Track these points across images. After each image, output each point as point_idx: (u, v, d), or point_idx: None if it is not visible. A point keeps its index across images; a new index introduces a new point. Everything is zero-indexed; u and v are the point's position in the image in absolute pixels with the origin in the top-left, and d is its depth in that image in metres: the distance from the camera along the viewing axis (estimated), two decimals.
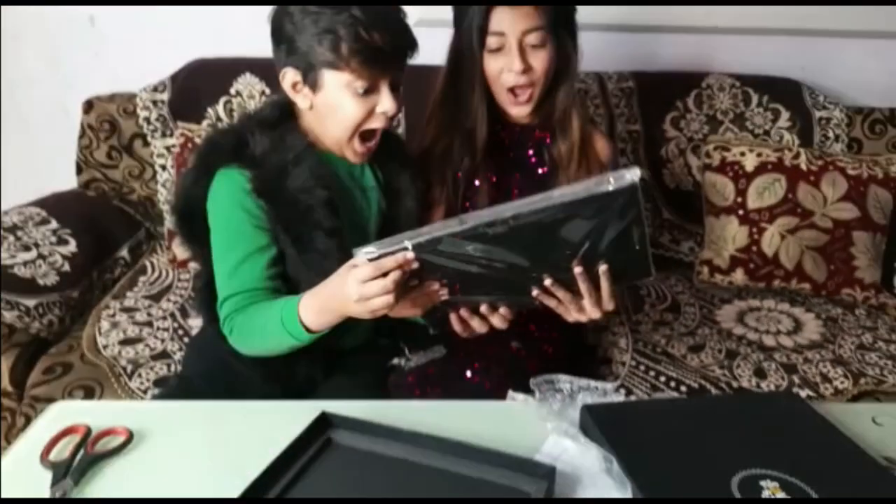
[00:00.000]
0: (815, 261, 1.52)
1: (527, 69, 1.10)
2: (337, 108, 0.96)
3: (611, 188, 0.75)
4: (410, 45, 0.98)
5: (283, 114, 1.01)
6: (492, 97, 1.17)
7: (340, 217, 0.98)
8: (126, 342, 1.22)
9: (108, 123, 1.65)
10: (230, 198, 0.95)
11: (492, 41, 1.10)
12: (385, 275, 0.79)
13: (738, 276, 1.54)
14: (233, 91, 1.64)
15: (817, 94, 1.76)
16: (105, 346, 1.20)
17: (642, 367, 1.24)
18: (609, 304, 0.90)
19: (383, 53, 0.92)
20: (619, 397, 0.86)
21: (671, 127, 1.72)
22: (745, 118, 1.72)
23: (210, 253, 0.99)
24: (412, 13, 1.75)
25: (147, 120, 1.63)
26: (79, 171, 1.68)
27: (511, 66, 1.09)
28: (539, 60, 1.11)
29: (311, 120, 1.01)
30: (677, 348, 1.29)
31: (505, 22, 1.08)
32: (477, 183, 1.22)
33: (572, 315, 0.93)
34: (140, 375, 1.13)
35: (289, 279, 1.00)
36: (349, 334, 1.05)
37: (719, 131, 1.71)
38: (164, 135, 1.63)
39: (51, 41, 1.76)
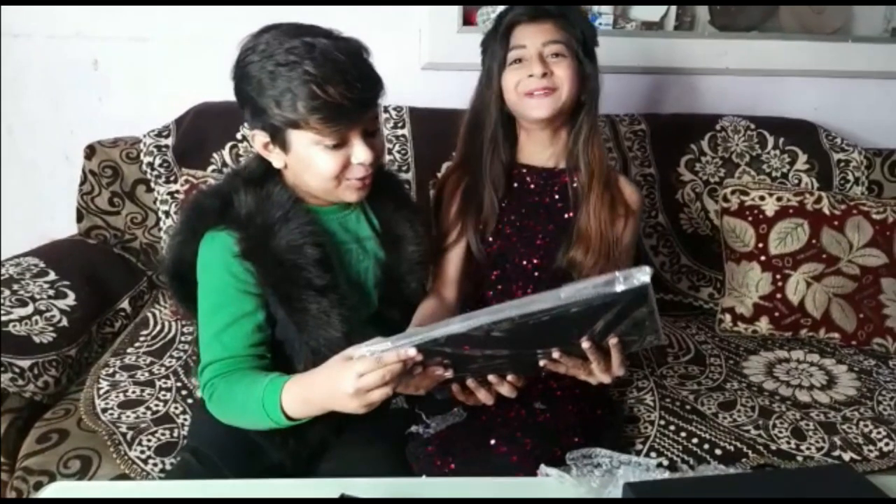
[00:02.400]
0: (843, 309, 1.47)
1: (546, 73, 1.10)
2: (310, 164, 0.91)
3: (619, 289, 0.72)
4: (374, 92, 0.90)
5: (269, 168, 0.97)
6: (513, 132, 1.18)
7: (335, 274, 0.94)
8: (126, 405, 1.15)
9: (110, 169, 1.60)
10: (217, 261, 0.92)
11: (513, 54, 1.13)
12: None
13: (763, 324, 1.49)
14: (239, 136, 1.60)
15: (834, 136, 1.73)
16: (104, 410, 1.13)
17: (672, 428, 1.17)
18: (619, 371, 0.89)
19: (343, 108, 0.85)
20: (663, 473, 0.80)
21: (686, 170, 1.68)
22: (761, 161, 1.69)
23: None
24: (419, 59, 1.76)
25: (150, 165, 1.59)
26: (79, 218, 1.62)
27: (531, 70, 1.10)
28: (561, 69, 1.12)
29: (291, 176, 0.96)
30: (707, 405, 1.23)
31: (526, 36, 1.12)
32: (503, 227, 1.19)
33: (581, 377, 0.93)
34: (141, 443, 1.06)
35: (278, 344, 0.96)
36: None
37: (736, 174, 1.68)
38: (167, 180, 1.58)
39: (53, 84, 1.72)
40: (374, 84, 0.90)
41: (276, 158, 0.93)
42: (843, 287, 1.47)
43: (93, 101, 1.75)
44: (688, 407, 1.22)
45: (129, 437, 1.07)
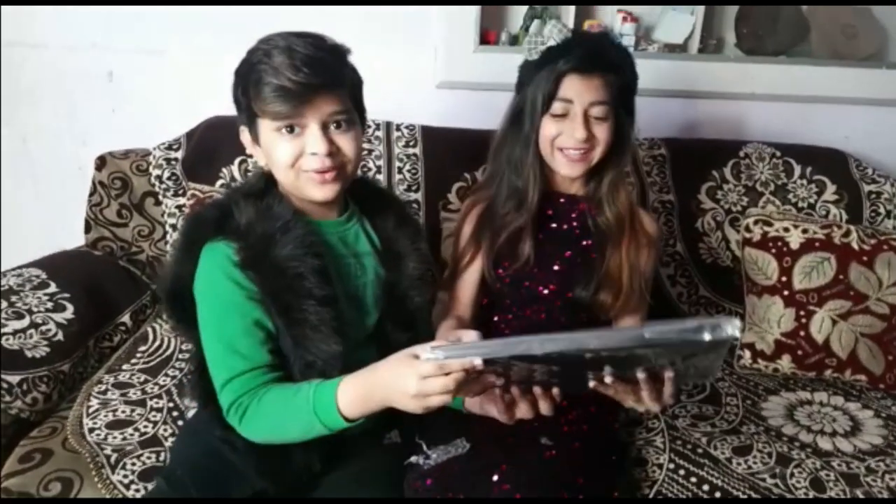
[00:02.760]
0: (870, 350, 1.38)
1: (588, 138, 1.10)
2: (271, 153, 0.93)
3: (707, 338, 0.69)
4: (326, 80, 0.89)
5: (269, 183, 0.98)
6: (541, 164, 1.17)
7: (334, 286, 0.92)
8: (114, 425, 1.12)
9: (119, 181, 1.59)
10: (218, 271, 0.90)
11: (557, 106, 1.11)
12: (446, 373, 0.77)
13: (785, 363, 1.41)
14: (249, 151, 1.58)
15: (865, 167, 1.66)
16: (91, 430, 1.10)
17: (682, 472, 1.11)
18: (670, 400, 0.88)
19: (289, 92, 0.87)
20: None
21: (707, 198, 1.62)
22: (787, 190, 1.62)
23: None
24: (434, 77, 1.73)
25: (159, 178, 1.57)
26: (87, 229, 1.61)
27: (574, 132, 1.09)
28: (601, 131, 1.12)
29: (275, 176, 0.96)
30: (720, 449, 1.16)
31: (574, 90, 1.10)
32: (520, 249, 1.17)
33: (629, 403, 0.91)
34: (125, 466, 1.03)
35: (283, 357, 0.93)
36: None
37: (759, 204, 1.61)
38: (175, 194, 1.57)
39: (68, 95, 1.73)
40: (322, 72, 0.88)
41: (259, 155, 0.96)
42: (872, 327, 1.39)
43: (107, 113, 1.75)
44: (700, 450, 1.15)
45: (113, 459, 1.04)
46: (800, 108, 1.80)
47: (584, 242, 1.19)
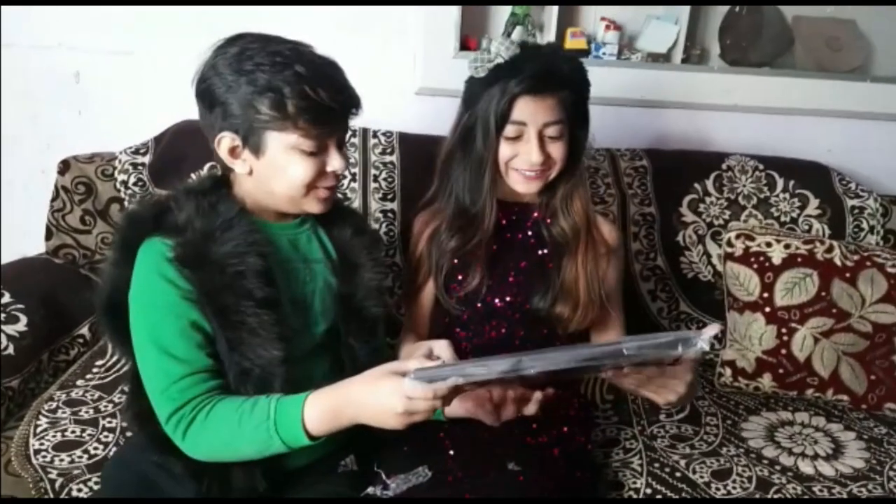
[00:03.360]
0: (853, 369, 1.35)
1: (545, 159, 1.07)
2: (283, 170, 0.88)
3: (679, 352, 0.75)
4: (355, 102, 0.92)
5: (214, 184, 0.94)
6: (494, 181, 1.12)
7: (277, 289, 0.88)
8: (62, 446, 1.06)
9: (83, 186, 1.53)
10: (152, 270, 0.84)
11: (510, 130, 1.07)
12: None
13: (766, 381, 1.38)
14: (227, 160, 1.52)
15: (848, 181, 1.64)
16: (37, 452, 1.04)
17: (659, 497, 1.06)
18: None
19: (331, 112, 0.87)
20: None
21: (689, 211, 1.59)
22: (769, 204, 1.59)
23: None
24: (413, 83, 1.69)
25: (125, 184, 1.52)
26: (48, 235, 1.55)
27: (530, 156, 1.06)
28: (556, 150, 1.08)
29: (251, 186, 0.92)
30: (700, 473, 1.12)
31: (527, 113, 1.06)
32: (475, 277, 1.13)
33: (644, 393, 0.89)
34: (70, 493, 0.97)
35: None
36: (297, 453, 0.89)
37: (742, 217, 1.58)
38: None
39: (32, 96, 1.67)
40: (355, 94, 0.91)
41: (241, 165, 0.90)
42: (854, 345, 1.35)
43: (73, 115, 1.69)
44: (678, 474, 1.12)
45: (58, 485, 0.98)
46: (783, 120, 1.77)
47: (540, 252, 1.15)
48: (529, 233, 1.17)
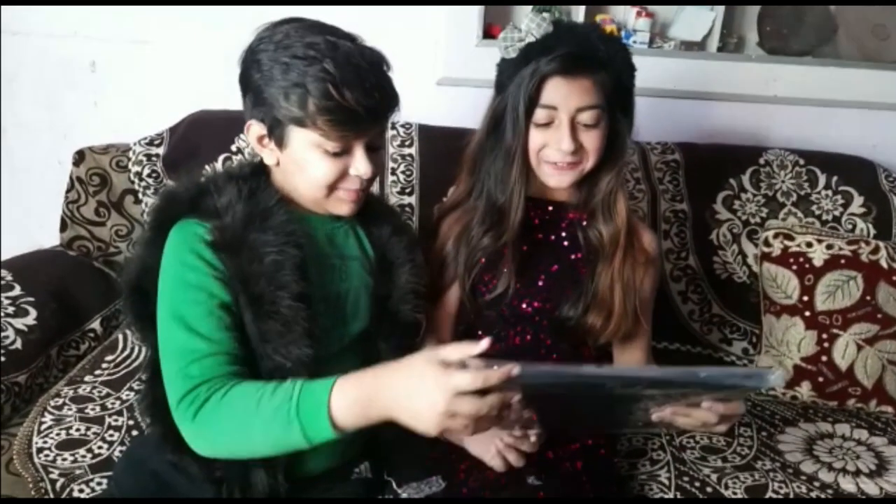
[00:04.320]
0: None
1: (576, 149, 0.97)
2: (304, 167, 0.84)
3: (753, 385, 0.76)
4: (389, 106, 0.85)
5: (254, 171, 0.89)
6: (527, 174, 1.04)
7: (311, 285, 0.83)
8: (65, 445, 1.03)
9: (98, 177, 1.51)
10: (185, 247, 0.80)
11: (541, 114, 0.98)
12: (483, 394, 0.66)
13: (804, 390, 1.30)
14: (234, 148, 1.49)
15: (895, 177, 1.53)
16: (40, 450, 1.01)
17: None
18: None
19: (355, 115, 0.80)
20: None
21: (723, 208, 1.50)
22: (810, 201, 1.50)
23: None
24: (434, 73, 1.63)
25: (139, 175, 1.49)
26: (63, 227, 1.53)
27: (560, 143, 0.97)
28: (591, 140, 0.98)
29: (280, 177, 0.88)
30: (732, 489, 1.05)
31: (559, 96, 0.97)
32: (502, 280, 1.05)
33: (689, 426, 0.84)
34: (71, 494, 0.93)
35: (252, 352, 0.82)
36: (317, 456, 0.86)
37: (780, 215, 1.49)
38: (156, 192, 1.48)
39: (48, 85, 1.65)
40: (390, 98, 0.85)
41: (268, 154, 0.87)
42: None
43: (88, 105, 1.67)
44: (709, 489, 1.05)
45: (59, 485, 0.95)
46: (826, 112, 1.68)
47: (573, 256, 1.07)
48: (563, 234, 1.08)
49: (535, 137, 1.00)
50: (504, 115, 1.01)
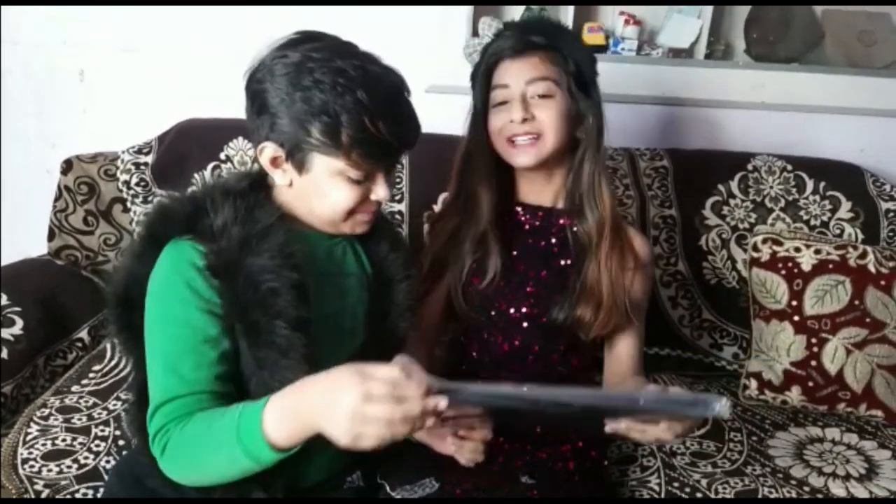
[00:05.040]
0: (888, 383, 1.27)
1: (528, 118, 0.99)
2: (326, 193, 0.82)
3: (696, 414, 0.80)
4: (417, 133, 0.85)
5: (253, 185, 0.86)
6: (504, 169, 1.07)
7: (310, 307, 0.80)
8: (51, 455, 1.02)
9: (86, 185, 1.50)
10: (176, 274, 0.78)
11: (496, 95, 1.03)
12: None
13: (794, 395, 1.30)
14: (223, 156, 1.49)
15: (882, 182, 1.55)
16: (25, 461, 1.00)
17: None
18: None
19: (388, 146, 0.79)
20: None
21: (712, 213, 1.51)
22: (798, 206, 1.51)
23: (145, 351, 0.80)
24: (423, 80, 1.63)
25: (127, 184, 1.48)
26: (51, 236, 1.52)
27: (511, 114, 1.00)
28: (545, 111, 1.00)
29: (290, 197, 0.85)
30: (722, 494, 1.05)
31: (509, 74, 1.02)
32: (489, 270, 1.06)
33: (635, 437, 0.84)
34: None
35: (242, 384, 0.80)
36: (312, 466, 0.85)
37: (768, 221, 1.50)
38: (144, 201, 1.48)
39: (36, 94, 1.64)
40: (418, 126, 0.85)
41: (281, 175, 0.84)
42: (890, 357, 1.27)
43: (77, 113, 1.66)
44: (699, 495, 1.04)
45: (43, 496, 0.94)
46: (813, 118, 1.69)
47: (563, 262, 1.07)
48: (553, 240, 1.08)
49: (495, 120, 1.03)
50: (475, 114, 1.07)
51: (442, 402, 0.68)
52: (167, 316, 0.78)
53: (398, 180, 1.49)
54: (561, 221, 1.08)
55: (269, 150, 0.81)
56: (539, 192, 1.08)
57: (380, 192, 0.84)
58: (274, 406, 0.70)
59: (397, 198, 1.47)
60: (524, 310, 1.06)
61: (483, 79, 1.04)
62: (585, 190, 1.04)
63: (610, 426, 0.81)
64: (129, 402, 0.88)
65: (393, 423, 0.66)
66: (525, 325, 1.06)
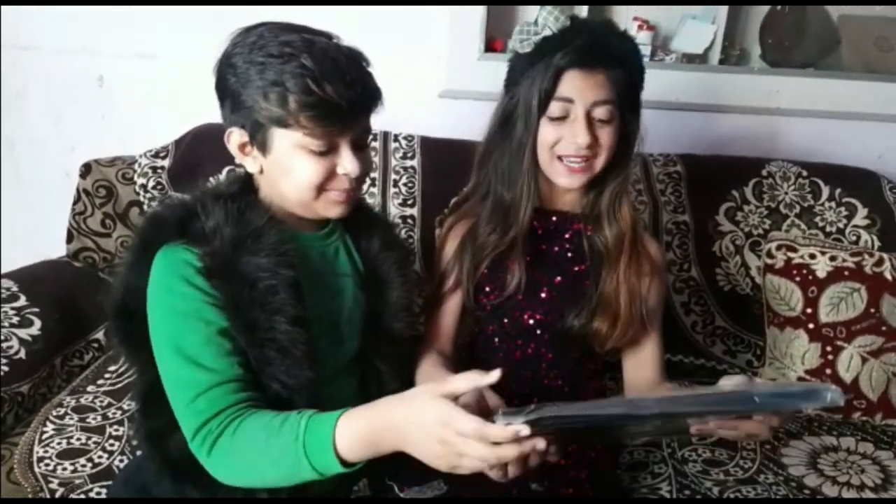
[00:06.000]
0: None
1: (592, 143, 0.95)
2: (290, 170, 0.81)
3: (808, 405, 0.73)
4: (372, 98, 0.82)
5: (243, 187, 0.86)
6: (536, 174, 1.02)
7: (306, 305, 0.81)
8: (66, 454, 1.03)
9: (104, 189, 1.52)
10: (174, 274, 0.78)
11: (556, 107, 0.96)
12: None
13: None
14: (238, 157, 1.50)
15: None
16: (40, 459, 1.02)
17: None
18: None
19: (338, 108, 0.78)
20: None
21: (726, 219, 1.50)
22: (813, 213, 1.50)
23: (148, 359, 0.79)
24: (436, 86, 1.64)
25: (144, 187, 1.50)
26: (69, 238, 1.54)
27: (576, 137, 0.95)
28: (605, 136, 0.97)
29: (266, 186, 0.86)
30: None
31: (575, 89, 0.95)
32: (508, 271, 1.03)
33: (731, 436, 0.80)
34: None
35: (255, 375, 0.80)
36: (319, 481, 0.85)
37: (783, 227, 1.49)
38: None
39: (56, 100, 1.68)
40: (372, 91, 0.82)
41: (251, 162, 0.84)
42: None
43: (96, 118, 1.69)
44: None
45: (58, 495, 0.95)
46: (829, 124, 1.68)
47: (577, 268, 1.05)
48: (567, 245, 1.06)
49: (549, 132, 0.97)
50: (515, 111, 1.00)
51: (540, 444, 0.65)
52: (174, 313, 0.77)
53: (410, 185, 1.49)
54: (575, 226, 1.06)
55: (235, 135, 0.82)
56: (557, 199, 1.06)
57: (346, 164, 0.81)
58: (349, 426, 0.70)
59: (409, 202, 1.48)
60: (538, 317, 1.04)
61: (545, 82, 0.95)
62: (606, 204, 1.02)
63: (696, 427, 0.77)
64: (134, 411, 0.87)
65: (490, 463, 0.66)
66: (539, 332, 1.04)
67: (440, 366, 0.97)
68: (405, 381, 0.86)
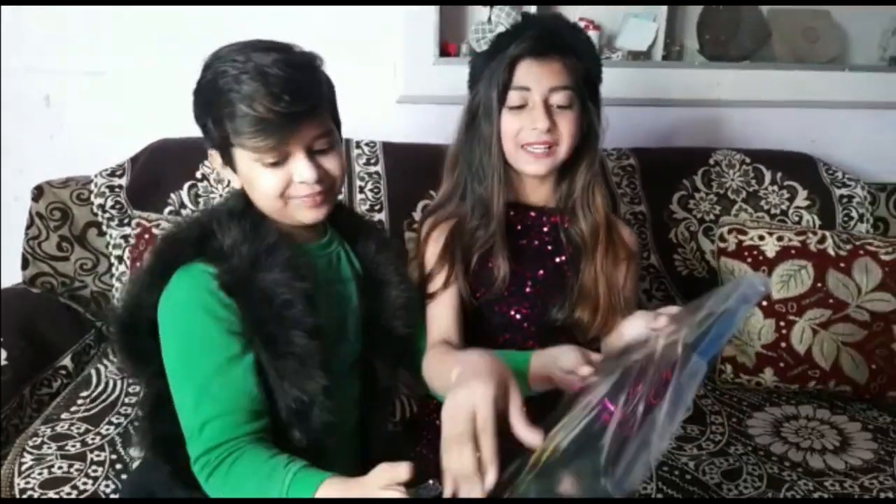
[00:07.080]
0: (853, 359, 1.35)
1: (551, 128, 0.98)
2: (253, 183, 0.84)
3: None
4: (310, 105, 0.81)
5: (248, 202, 0.88)
6: (505, 167, 1.04)
7: (320, 315, 0.83)
8: (49, 484, 1.01)
9: (59, 211, 1.48)
10: (191, 302, 0.80)
11: (514, 97, 0.99)
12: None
13: (767, 376, 1.37)
14: (199, 175, 1.49)
15: (834, 170, 1.64)
16: (23, 491, 0.99)
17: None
18: None
19: (269, 123, 0.78)
20: None
21: (679, 207, 1.58)
22: (759, 197, 1.59)
23: (157, 370, 0.81)
24: (394, 92, 1.66)
25: (102, 207, 1.47)
26: (24, 265, 1.50)
27: (534, 122, 0.97)
28: (565, 122, 0.99)
29: (258, 204, 0.87)
30: (710, 475, 1.10)
31: (531, 77, 0.98)
32: (492, 267, 1.04)
33: None
34: None
35: (268, 396, 0.81)
36: None
37: (732, 212, 1.57)
38: (121, 223, 1.47)
39: (1, 122, 1.61)
40: (304, 98, 0.81)
41: (233, 178, 0.87)
42: (853, 335, 1.35)
43: (44, 139, 1.64)
44: (688, 476, 1.09)
45: None
46: (766, 112, 1.78)
47: (558, 259, 1.07)
48: (546, 238, 1.08)
49: (510, 122, 1.00)
50: (479, 108, 1.02)
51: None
52: (189, 341, 0.80)
53: (376, 190, 1.51)
54: (552, 219, 1.08)
55: (214, 155, 0.87)
56: (531, 193, 1.08)
57: (301, 172, 0.82)
58: (327, 493, 0.71)
59: (377, 207, 1.50)
60: (524, 311, 1.06)
61: (501, 74, 0.98)
62: (579, 195, 1.05)
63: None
64: (141, 417, 0.88)
65: None
66: (525, 325, 1.07)
67: (446, 352, 0.98)
68: (401, 379, 0.87)
